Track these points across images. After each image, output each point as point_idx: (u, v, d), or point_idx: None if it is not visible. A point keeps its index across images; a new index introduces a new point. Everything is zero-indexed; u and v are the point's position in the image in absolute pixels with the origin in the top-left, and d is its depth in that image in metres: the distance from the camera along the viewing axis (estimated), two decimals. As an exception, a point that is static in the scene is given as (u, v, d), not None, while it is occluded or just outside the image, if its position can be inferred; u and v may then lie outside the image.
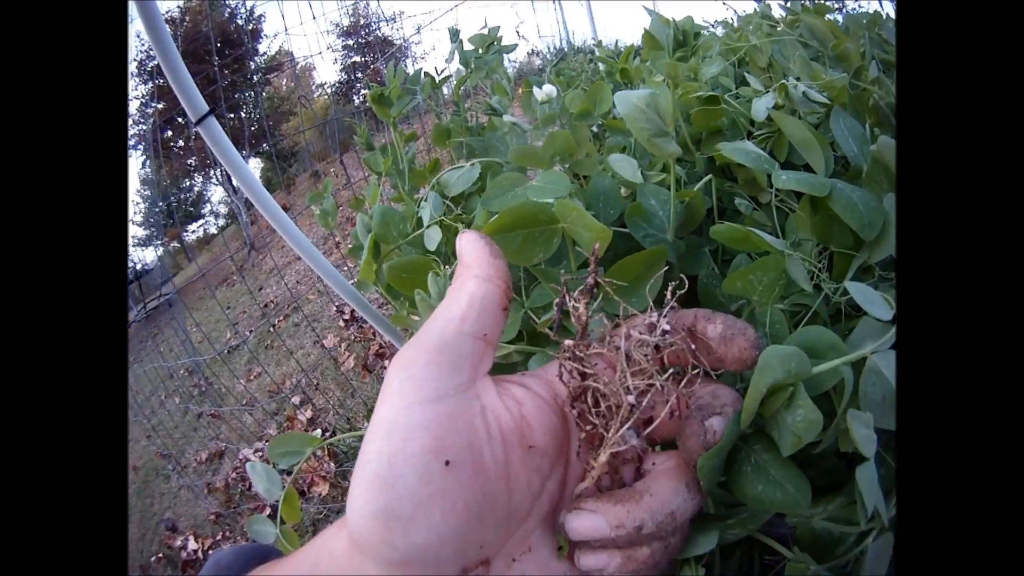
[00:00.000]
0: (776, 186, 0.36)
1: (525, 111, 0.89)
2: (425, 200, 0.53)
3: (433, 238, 0.49)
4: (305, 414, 3.08)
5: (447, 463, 0.21)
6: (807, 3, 1.01)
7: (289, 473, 0.51)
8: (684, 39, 0.66)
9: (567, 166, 0.54)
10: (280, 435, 0.52)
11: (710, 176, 0.50)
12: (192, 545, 2.77)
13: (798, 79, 0.64)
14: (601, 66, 2.54)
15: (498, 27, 0.92)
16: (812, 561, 0.36)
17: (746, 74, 0.64)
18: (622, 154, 0.50)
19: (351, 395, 3.03)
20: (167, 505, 3.30)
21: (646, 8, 0.75)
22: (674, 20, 0.68)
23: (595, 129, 0.76)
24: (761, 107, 0.54)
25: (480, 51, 0.89)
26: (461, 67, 0.91)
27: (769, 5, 1.33)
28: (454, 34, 0.92)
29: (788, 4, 1.07)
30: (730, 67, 0.83)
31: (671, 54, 0.51)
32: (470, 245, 0.27)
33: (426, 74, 0.88)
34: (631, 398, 0.24)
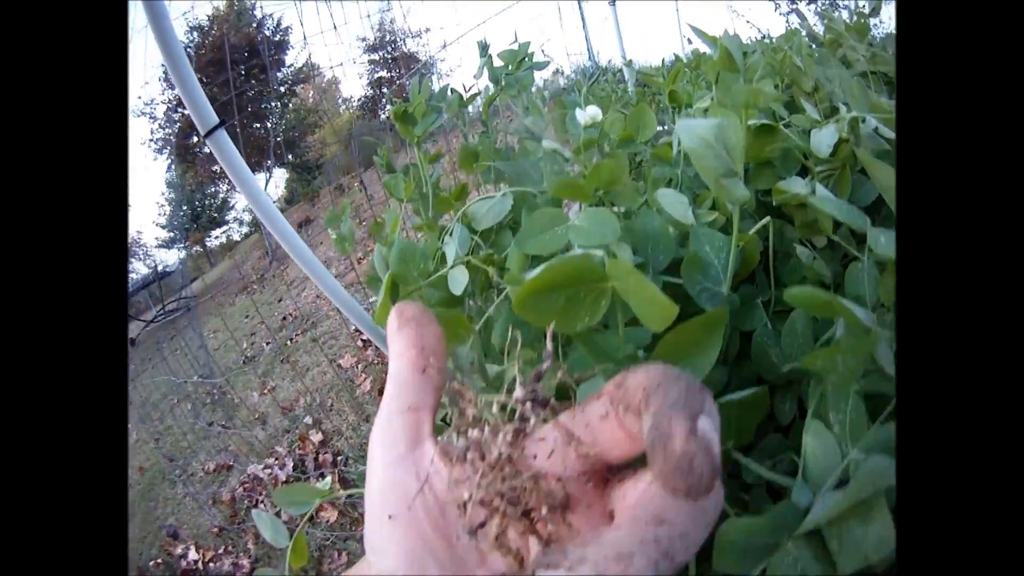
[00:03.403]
0: (873, 249, 0.31)
1: (558, 133, 0.85)
2: (450, 234, 0.48)
3: (459, 280, 0.44)
4: (317, 436, 3.02)
5: (389, 517, 0.26)
6: (847, 21, 0.95)
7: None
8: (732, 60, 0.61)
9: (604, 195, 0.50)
10: (287, 486, 0.51)
11: (768, 219, 0.45)
12: (193, 555, 2.70)
13: (846, 104, 0.59)
14: (631, 87, 2.49)
15: (528, 42, 0.88)
16: None
17: (802, 101, 0.59)
18: (671, 189, 0.45)
19: (365, 419, 2.96)
20: (170, 511, 3.25)
21: (693, 28, 0.71)
22: (723, 37, 0.62)
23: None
24: (823, 141, 0.49)
25: (511, 67, 0.85)
26: (490, 84, 0.87)
27: (808, 23, 1.28)
28: (483, 48, 0.88)
29: (826, 23, 1.02)
30: (778, 90, 0.78)
31: (741, 77, 0.46)
32: (388, 324, 0.30)
33: (453, 90, 0.84)
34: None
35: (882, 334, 0.27)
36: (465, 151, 0.69)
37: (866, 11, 0.98)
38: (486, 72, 0.86)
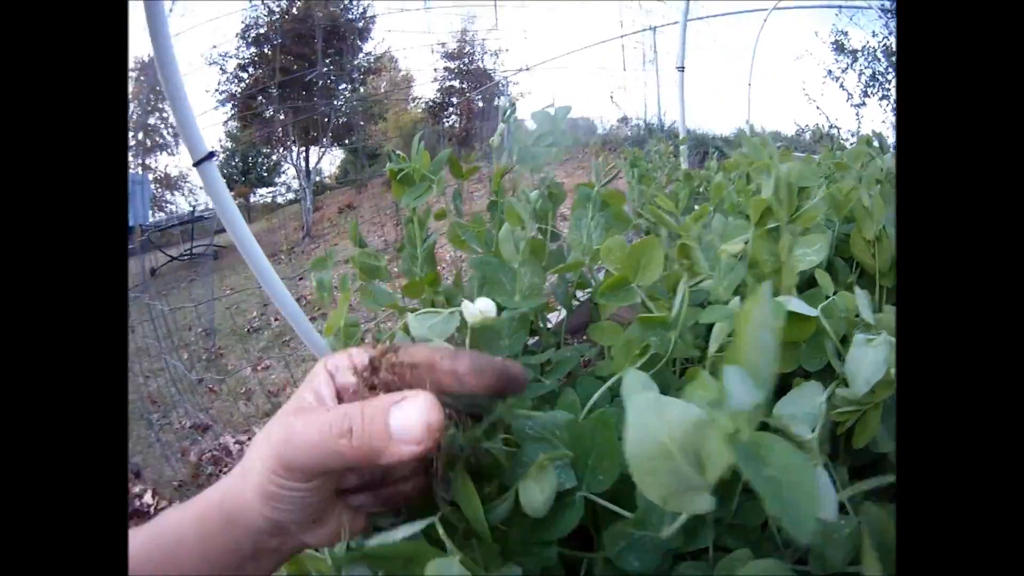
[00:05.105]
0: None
1: (573, 219, 0.79)
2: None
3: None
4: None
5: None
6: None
7: None
8: (788, 197, 0.53)
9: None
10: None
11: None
12: (148, 499, 2.67)
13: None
14: (685, 162, 2.40)
15: (568, 107, 0.83)
16: None
17: (856, 290, 0.48)
18: (643, 376, 0.37)
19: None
20: (139, 450, 3.21)
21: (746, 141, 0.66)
22: (778, 171, 0.53)
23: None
24: (863, 372, 0.38)
25: (530, 140, 0.80)
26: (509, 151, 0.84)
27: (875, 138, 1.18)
28: (506, 111, 0.83)
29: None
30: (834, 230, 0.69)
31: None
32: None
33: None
34: None
35: None
36: (453, 229, 0.66)
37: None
38: (506, 138, 0.83)
